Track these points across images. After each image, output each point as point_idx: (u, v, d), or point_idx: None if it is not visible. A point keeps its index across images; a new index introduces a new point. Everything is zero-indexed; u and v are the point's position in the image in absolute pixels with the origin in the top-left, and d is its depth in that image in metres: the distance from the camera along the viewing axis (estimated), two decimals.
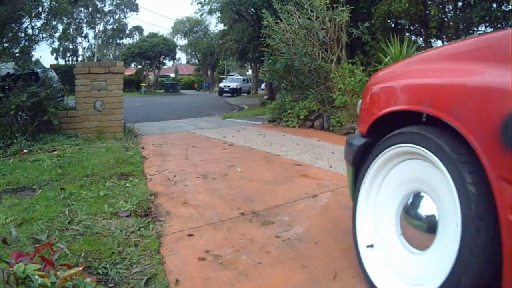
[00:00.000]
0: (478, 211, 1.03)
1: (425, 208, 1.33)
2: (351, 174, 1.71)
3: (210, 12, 20.54)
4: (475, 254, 1.03)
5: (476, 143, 1.02)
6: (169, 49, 30.09)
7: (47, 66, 18.28)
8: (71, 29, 32.27)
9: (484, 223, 1.02)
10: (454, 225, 1.10)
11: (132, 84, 28.76)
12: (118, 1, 35.55)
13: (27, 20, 5.32)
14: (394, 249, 1.43)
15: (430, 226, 1.28)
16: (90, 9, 34.09)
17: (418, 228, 1.35)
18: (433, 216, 1.27)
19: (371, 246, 1.52)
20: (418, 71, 1.38)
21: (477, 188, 1.04)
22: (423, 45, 8.00)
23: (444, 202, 1.20)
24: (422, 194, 1.35)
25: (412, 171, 1.38)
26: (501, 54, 1.07)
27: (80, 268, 1.27)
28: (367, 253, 1.52)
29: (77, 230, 2.02)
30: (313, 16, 6.87)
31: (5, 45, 5.22)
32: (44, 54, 46.42)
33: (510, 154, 0.92)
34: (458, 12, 6.68)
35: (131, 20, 43.59)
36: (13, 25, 5.17)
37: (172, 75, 44.04)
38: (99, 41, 36.58)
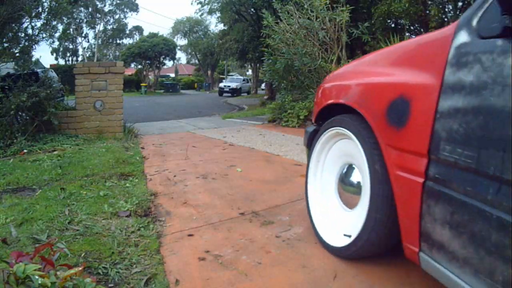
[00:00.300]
0: (379, 171, 1.45)
1: (354, 176, 1.77)
2: (307, 155, 2.16)
3: (210, 12, 20.55)
4: (376, 214, 1.46)
5: (372, 122, 1.46)
6: (169, 49, 30.10)
7: (47, 66, 18.28)
8: (71, 29, 32.29)
9: (383, 178, 1.42)
10: (368, 186, 1.51)
11: (132, 84, 28.77)
12: (118, 1, 35.58)
13: (27, 20, 5.33)
14: (333, 208, 1.91)
15: (357, 190, 1.72)
16: (90, 9, 34.12)
17: (350, 192, 1.79)
18: (359, 182, 1.71)
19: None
20: (349, 74, 1.84)
21: (377, 152, 1.46)
22: None
23: (363, 170, 1.59)
24: (352, 165, 1.79)
25: (343, 148, 1.84)
26: (402, 59, 1.43)
27: (80, 268, 1.27)
28: (315, 213, 2.00)
29: (77, 230, 2.02)
30: (313, 16, 6.87)
31: (5, 45, 5.23)
32: (44, 54, 46.52)
33: (392, 128, 1.33)
34: (458, 12, 6.69)
35: (131, 20, 43.70)
36: (13, 25, 5.17)
37: (172, 75, 44.07)
38: (99, 41, 36.60)
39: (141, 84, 27.89)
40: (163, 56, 31.03)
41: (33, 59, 5.92)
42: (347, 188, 1.82)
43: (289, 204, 2.55)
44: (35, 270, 1.12)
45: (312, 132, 2.08)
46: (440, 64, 1.17)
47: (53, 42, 6.09)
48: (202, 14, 23.53)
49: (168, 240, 1.97)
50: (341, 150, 1.87)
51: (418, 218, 1.22)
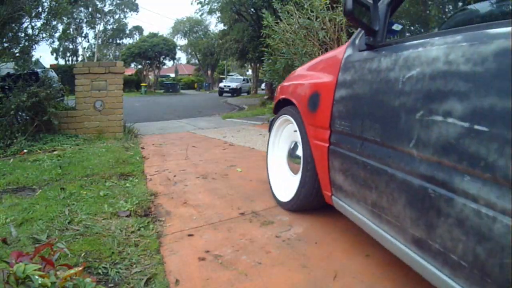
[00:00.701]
0: (306, 142, 2.05)
1: (297, 150, 2.36)
2: (268, 138, 2.81)
3: (210, 12, 20.53)
4: (307, 172, 2.05)
5: (300, 110, 2.10)
6: (169, 49, 30.10)
7: (47, 66, 18.26)
8: (71, 29, 32.29)
9: (308, 147, 2.02)
10: (302, 155, 2.11)
11: (132, 84, 28.76)
12: (118, 1, 35.59)
13: (27, 20, 5.32)
14: (284, 175, 2.57)
15: (299, 160, 2.24)
16: (90, 9, 34.12)
17: (294, 162, 2.41)
18: (299, 154, 2.23)
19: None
20: (294, 76, 2.44)
21: (304, 130, 2.08)
22: None
23: (300, 144, 2.17)
24: (296, 142, 2.42)
25: (289, 130, 2.51)
26: (319, 66, 2.03)
27: (80, 268, 1.27)
28: (272, 179, 2.66)
29: (77, 230, 2.02)
30: (313, 16, 6.87)
31: (5, 45, 5.23)
32: (44, 54, 46.54)
33: (310, 113, 1.94)
34: None
35: (131, 20, 43.65)
36: (13, 25, 5.17)
37: (172, 75, 44.06)
38: (99, 41, 36.60)
39: (141, 84, 27.88)
40: (163, 56, 31.03)
41: (33, 59, 5.93)
42: (293, 159, 2.46)
43: None
44: (35, 270, 1.12)
45: (272, 120, 2.72)
46: (337, 69, 1.72)
47: (53, 42, 6.11)
48: (202, 14, 23.54)
49: (168, 240, 1.97)
50: (288, 132, 2.55)
51: (327, 171, 1.80)
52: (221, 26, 22.39)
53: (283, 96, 2.45)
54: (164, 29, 55.70)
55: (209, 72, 40.39)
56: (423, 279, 1.60)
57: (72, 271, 1.23)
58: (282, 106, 2.52)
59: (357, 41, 1.63)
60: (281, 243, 1.93)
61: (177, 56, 35.41)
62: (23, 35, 5.40)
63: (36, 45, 5.42)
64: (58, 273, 1.22)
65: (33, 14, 5.21)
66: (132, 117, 7.45)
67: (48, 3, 5.45)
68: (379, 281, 1.57)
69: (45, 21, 5.41)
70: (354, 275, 1.61)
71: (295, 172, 2.41)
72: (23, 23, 5.36)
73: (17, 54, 5.26)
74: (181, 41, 38.07)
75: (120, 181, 3.05)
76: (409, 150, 1.15)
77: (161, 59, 31.47)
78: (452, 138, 0.98)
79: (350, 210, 1.61)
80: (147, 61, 30.64)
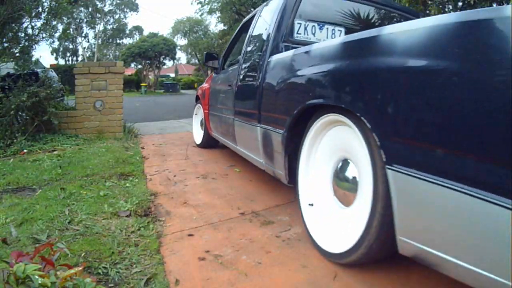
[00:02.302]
0: (205, 117, 4.42)
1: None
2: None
3: (210, 12, 20.50)
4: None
5: (200, 99, 4.55)
6: (169, 49, 30.07)
7: (47, 66, 18.23)
8: (71, 29, 32.27)
9: (205, 120, 4.38)
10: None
11: (132, 84, 28.75)
12: (118, 1, 35.58)
13: (27, 20, 5.32)
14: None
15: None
16: (90, 9, 34.11)
17: (201, 125, 4.61)
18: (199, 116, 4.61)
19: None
20: (200, 86, 4.72)
21: (205, 111, 4.36)
22: None
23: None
24: (202, 120, 4.57)
25: (199, 113, 4.74)
26: (207, 80, 4.50)
27: (80, 268, 1.27)
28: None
29: (77, 230, 2.02)
30: None
31: (5, 45, 5.22)
32: (44, 54, 46.51)
33: (203, 101, 4.36)
34: None
35: (131, 20, 43.59)
36: (13, 25, 5.17)
37: (172, 75, 44.02)
38: (99, 41, 36.60)
39: (141, 84, 27.87)
40: (163, 56, 31.01)
41: (33, 59, 5.92)
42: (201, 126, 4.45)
43: (289, 204, 2.55)
44: (35, 270, 1.12)
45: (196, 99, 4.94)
46: (210, 81, 4.14)
47: (53, 42, 6.10)
48: (202, 14, 23.44)
49: (168, 240, 1.97)
50: (198, 114, 4.78)
51: (209, 123, 4.10)
52: (221, 26, 22.36)
53: (197, 94, 4.77)
54: (164, 29, 55.76)
55: (209, 72, 40.37)
56: (423, 279, 1.60)
57: (72, 271, 1.23)
58: (197, 99, 4.89)
59: (220, 66, 3.89)
60: (281, 243, 1.93)
61: (177, 56, 35.39)
62: (23, 35, 5.41)
63: (36, 45, 5.42)
64: (58, 273, 1.21)
65: (33, 14, 5.21)
66: (132, 117, 7.45)
67: (48, 3, 5.45)
68: (379, 281, 1.57)
69: (45, 21, 5.41)
70: (354, 275, 1.61)
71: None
72: (23, 23, 5.36)
73: (17, 54, 5.26)
74: (181, 41, 38.02)
75: (120, 181, 3.05)
76: (226, 107, 3.22)
77: (161, 59, 31.45)
78: (230, 104, 3.05)
79: (215, 134, 3.90)
80: (147, 61, 30.62)
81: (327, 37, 2.55)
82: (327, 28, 2.55)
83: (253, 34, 2.82)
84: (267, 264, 1.71)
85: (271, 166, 2.27)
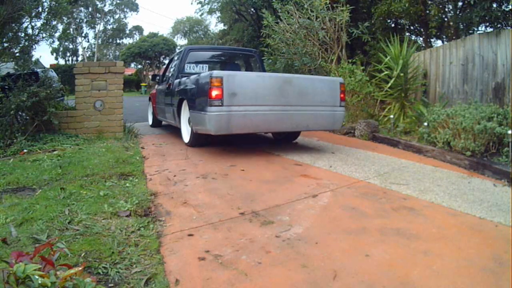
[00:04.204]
0: (154, 107, 6.94)
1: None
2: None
3: (210, 12, 20.49)
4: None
5: (152, 100, 7.02)
6: (169, 49, 30.08)
7: (47, 66, 18.25)
8: (71, 29, 32.26)
9: (157, 107, 6.61)
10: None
11: (132, 84, 28.75)
12: (118, 1, 35.57)
13: (27, 20, 5.32)
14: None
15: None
16: (90, 9, 34.10)
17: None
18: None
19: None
20: (151, 92, 7.49)
21: (152, 106, 7.15)
22: (423, 45, 7.99)
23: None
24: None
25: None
26: (155, 89, 7.28)
27: (80, 268, 1.27)
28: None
29: (77, 230, 2.02)
30: (313, 16, 6.88)
31: (5, 45, 5.22)
32: (44, 54, 46.44)
33: (154, 101, 6.79)
34: (458, 12, 6.66)
35: (131, 20, 43.45)
36: (13, 25, 5.17)
37: None
38: (99, 41, 36.59)
39: (141, 84, 27.87)
40: (163, 56, 31.02)
41: (33, 59, 5.92)
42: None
43: (289, 204, 2.55)
44: (35, 270, 1.12)
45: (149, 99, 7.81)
46: (155, 90, 6.88)
47: (53, 42, 6.09)
48: (202, 14, 23.43)
49: (168, 240, 1.97)
50: (150, 107, 7.35)
51: (156, 111, 6.74)
52: (221, 26, 22.36)
53: (149, 96, 7.31)
54: (164, 29, 55.73)
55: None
56: (423, 279, 1.60)
57: (72, 271, 1.23)
58: (149, 99, 7.27)
59: (157, 84, 6.59)
60: (281, 243, 1.93)
61: None
62: (23, 35, 5.40)
63: (36, 45, 5.42)
64: (58, 273, 1.21)
65: (33, 14, 5.21)
66: (132, 117, 7.45)
67: (48, 3, 5.45)
68: (379, 281, 1.58)
69: (45, 21, 5.41)
70: (354, 275, 1.61)
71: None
72: (23, 23, 5.36)
73: (17, 54, 5.25)
74: (181, 41, 37.96)
75: (120, 181, 3.05)
76: (162, 101, 5.91)
77: (161, 59, 31.46)
78: (163, 101, 5.87)
79: (159, 117, 6.42)
80: (147, 61, 30.63)
81: (199, 71, 5.39)
82: (199, 66, 5.54)
83: (171, 67, 5.89)
84: (267, 264, 1.71)
85: (175, 122, 5.10)
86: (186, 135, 4.66)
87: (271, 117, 3.89)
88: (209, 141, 4.60)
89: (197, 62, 5.42)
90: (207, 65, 5.56)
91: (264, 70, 5.88)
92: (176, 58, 5.67)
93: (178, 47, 33.68)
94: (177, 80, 4.93)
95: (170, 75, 5.55)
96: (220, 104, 3.61)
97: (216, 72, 3.75)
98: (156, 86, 6.58)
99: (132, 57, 29.48)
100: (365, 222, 2.24)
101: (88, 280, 1.24)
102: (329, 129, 5.29)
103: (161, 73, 6.60)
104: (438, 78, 5.85)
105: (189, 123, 4.46)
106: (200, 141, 4.48)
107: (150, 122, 7.07)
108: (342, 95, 4.34)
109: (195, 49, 5.75)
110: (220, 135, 3.86)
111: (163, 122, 6.55)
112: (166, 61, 34.73)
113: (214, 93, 3.59)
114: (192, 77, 4.31)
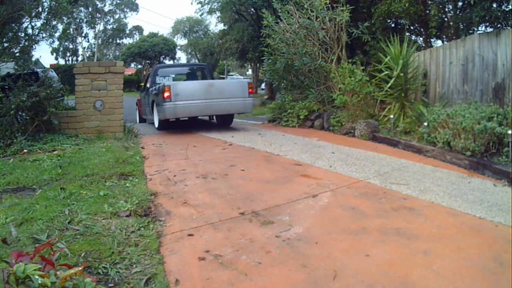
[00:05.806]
0: (140, 108, 9.04)
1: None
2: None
3: (210, 12, 20.48)
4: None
5: (138, 104, 9.29)
6: (169, 49, 30.11)
7: (47, 66, 18.25)
8: (71, 29, 32.26)
9: (143, 108, 8.53)
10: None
11: (132, 84, 28.74)
12: (118, 1, 35.55)
13: (27, 20, 5.32)
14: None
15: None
16: (90, 9, 34.09)
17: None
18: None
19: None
20: (138, 98, 9.65)
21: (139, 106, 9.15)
22: (423, 45, 7.98)
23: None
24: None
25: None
26: (140, 96, 9.60)
27: (80, 268, 1.27)
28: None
29: (77, 230, 2.02)
30: (313, 16, 6.87)
31: (5, 45, 5.22)
32: (44, 54, 46.34)
33: (140, 105, 9.19)
34: (458, 12, 6.65)
35: (131, 20, 43.35)
36: (13, 25, 5.17)
37: (172, 75, 43.96)
38: (99, 41, 36.58)
39: (141, 84, 27.86)
40: (163, 56, 31.04)
41: (33, 59, 5.92)
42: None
43: (289, 204, 2.55)
44: (35, 270, 1.12)
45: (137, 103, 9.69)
46: (140, 96, 9.09)
47: (53, 42, 6.11)
48: (202, 14, 23.40)
49: (168, 240, 1.97)
50: (136, 110, 9.59)
51: (140, 111, 9.02)
52: (221, 26, 22.34)
53: (136, 101, 9.55)
54: (164, 29, 55.67)
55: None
56: (423, 279, 1.60)
57: (72, 271, 1.23)
58: (136, 104, 9.51)
59: (143, 91, 8.27)
60: (281, 243, 1.93)
61: (177, 56, 35.37)
62: (23, 35, 5.41)
63: (36, 45, 5.42)
64: (58, 273, 1.22)
65: (33, 14, 5.21)
66: (132, 117, 7.49)
67: (48, 3, 5.45)
68: (379, 281, 1.58)
69: (45, 21, 5.41)
70: (354, 275, 1.61)
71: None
72: (23, 23, 5.36)
73: (17, 54, 5.25)
74: (181, 41, 37.92)
75: (120, 181, 3.05)
76: (145, 104, 7.97)
77: (161, 59, 31.48)
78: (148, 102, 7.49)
79: (143, 116, 8.33)
80: (147, 61, 30.64)
81: (166, 82, 6.75)
82: (166, 78, 7.77)
83: (149, 79, 7.93)
84: (267, 264, 1.71)
85: (151, 116, 7.10)
86: (156, 123, 6.70)
87: (201, 107, 6.11)
88: (170, 125, 6.65)
89: (164, 76, 7.88)
90: (172, 77, 8.08)
91: (212, 78, 8.61)
92: (151, 73, 8.19)
93: (178, 47, 33.74)
94: (151, 88, 7.02)
95: (148, 86, 7.79)
96: (170, 100, 5.81)
97: (167, 82, 6.25)
98: (140, 94, 9.16)
99: (132, 57, 29.49)
100: (365, 222, 2.24)
101: (88, 280, 1.24)
102: (242, 112, 6.90)
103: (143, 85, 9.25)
104: (438, 78, 5.84)
105: (158, 115, 6.48)
106: (164, 125, 6.49)
107: (138, 120, 9.19)
108: (250, 90, 6.48)
109: (163, 67, 9.01)
110: (173, 119, 6.29)
111: (147, 121, 8.51)
112: (166, 61, 34.75)
113: (166, 94, 5.80)
114: (156, 86, 6.51)
